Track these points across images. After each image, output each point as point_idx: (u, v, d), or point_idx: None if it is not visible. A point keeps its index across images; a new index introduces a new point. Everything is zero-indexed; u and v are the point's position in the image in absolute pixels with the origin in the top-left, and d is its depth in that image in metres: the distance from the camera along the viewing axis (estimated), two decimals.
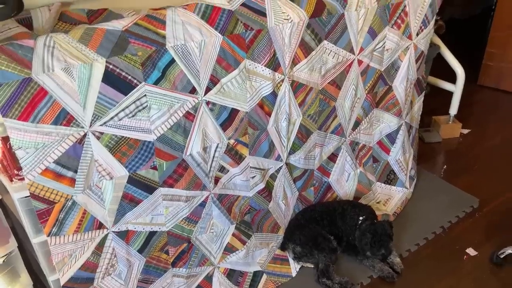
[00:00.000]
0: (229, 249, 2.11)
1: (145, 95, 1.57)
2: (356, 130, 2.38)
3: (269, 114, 1.96)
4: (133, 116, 1.57)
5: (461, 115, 3.23)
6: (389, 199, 2.54)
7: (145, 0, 1.85)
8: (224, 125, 1.83)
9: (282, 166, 2.15)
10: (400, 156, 2.57)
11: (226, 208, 2.02)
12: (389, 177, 2.61)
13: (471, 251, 2.23)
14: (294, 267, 2.17)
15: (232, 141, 1.89)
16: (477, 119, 3.44)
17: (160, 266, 1.92)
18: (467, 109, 3.51)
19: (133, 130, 1.59)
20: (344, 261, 2.21)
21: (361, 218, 2.13)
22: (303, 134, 2.15)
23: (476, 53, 3.98)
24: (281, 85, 1.93)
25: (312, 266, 2.17)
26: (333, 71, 2.09)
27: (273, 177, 2.16)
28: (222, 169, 1.93)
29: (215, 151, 1.86)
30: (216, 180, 1.93)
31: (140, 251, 1.84)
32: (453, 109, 3.12)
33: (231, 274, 2.11)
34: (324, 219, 2.25)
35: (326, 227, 2.23)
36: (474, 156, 3.01)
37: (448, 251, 2.24)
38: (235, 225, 2.08)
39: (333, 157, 2.37)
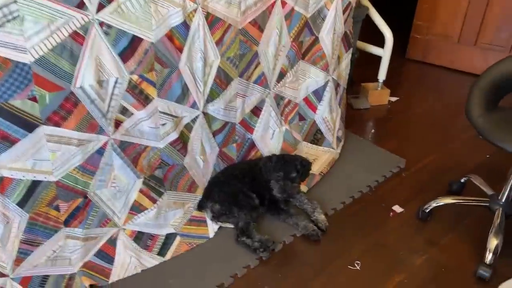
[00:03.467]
0: (136, 208, 1.85)
1: (15, 1, 1.26)
2: (281, 82, 2.21)
3: (181, 50, 1.73)
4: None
5: (389, 85, 3.20)
6: (316, 159, 2.40)
7: None
8: (124, 55, 1.57)
9: (198, 115, 1.92)
10: (327, 114, 2.44)
11: (131, 159, 1.76)
12: (316, 137, 2.48)
13: (397, 208, 2.14)
14: (212, 228, 1.95)
15: (135, 77, 1.63)
16: (404, 89, 3.43)
17: (48, 225, 1.63)
18: (395, 80, 3.50)
19: (1, 46, 1.29)
20: (267, 220, 2.03)
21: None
22: (222, 79, 1.93)
23: (406, 27, 4.00)
24: (193, 16, 1.70)
25: (232, 226, 1.97)
26: (254, 8, 1.89)
27: (189, 127, 1.93)
28: (124, 111, 1.66)
29: (114, 87, 1.59)
30: (117, 123, 1.67)
31: (21, 204, 1.53)
32: (382, 75, 3.07)
33: (139, 237, 1.85)
34: (246, 176, 2.06)
35: (248, 184, 2.04)
36: (401, 122, 2.98)
37: (374, 208, 2.14)
38: (142, 179, 1.82)
39: (256, 111, 2.19)
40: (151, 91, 1.70)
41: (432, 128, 2.91)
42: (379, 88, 3.14)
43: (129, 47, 1.56)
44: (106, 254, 1.77)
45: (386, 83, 3.15)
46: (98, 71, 1.52)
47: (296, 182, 1.96)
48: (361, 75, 3.28)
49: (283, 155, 2.06)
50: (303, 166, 1.98)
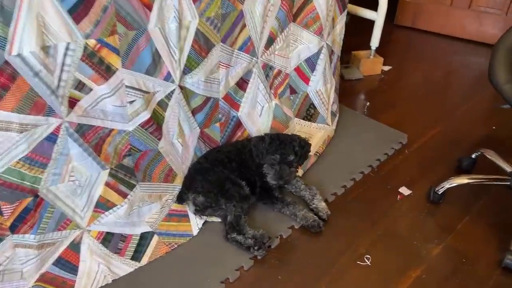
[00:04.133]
0: (103, 205, 1.52)
1: None
2: (270, 49, 1.89)
3: (150, 7, 1.38)
4: None
5: (379, 54, 2.92)
6: (310, 138, 2.11)
7: None
8: (76, 14, 1.21)
9: (174, 90, 1.59)
10: (321, 87, 2.14)
11: (92, 146, 1.42)
12: (309, 112, 2.18)
13: (404, 191, 1.90)
14: (195, 224, 1.65)
15: (92, 42, 1.28)
16: (396, 57, 3.17)
17: None
18: (386, 47, 3.23)
19: None
20: (259, 212, 1.75)
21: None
22: (202, 45, 1.60)
23: None
24: None
25: (219, 220, 1.67)
26: None
27: (163, 105, 1.59)
28: (80, 86, 1.32)
29: (65, 55, 1.24)
30: (73, 102, 1.32)
31: None
32: (375, 41, 2.77)
33: (108, 239, 1.54)
34: (233, 161, 1.75)
35: (236, 171, 1.74)
36: (398, 93, 2.72)
37: (379, 191, 1.89)
38: (108, 170, 1.49)
39: (242, 84, 1.86)
40: (113, 60, 1.35)
41: (430, 98, 2.67)
42: (371, 57, 2.85)
43: (81, 3, 1.20)
44: (68, 262, 1.45)
45: (376, 51, 2.87)
46: (41, 34, 1.16)
47: (294, 166, 1.67)
48: (350, 43, 2.97)
49: (278, 134, 1.76)
50: (302, 147, 1.69)
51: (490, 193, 1.86)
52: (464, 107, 2.56)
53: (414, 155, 2.13)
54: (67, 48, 1.23)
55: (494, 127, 2.35)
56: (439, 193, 1.79)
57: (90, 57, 1.29)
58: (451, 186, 1.78)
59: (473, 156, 1.99)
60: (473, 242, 1.64)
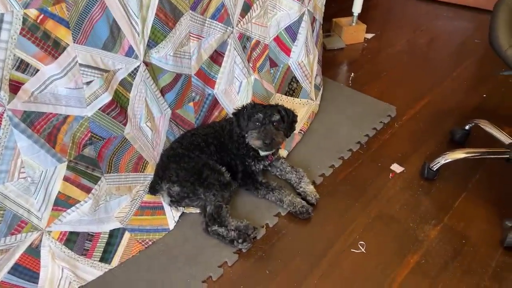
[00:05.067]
0: (63, 202, 1.33)
1: None
2: (247, 17, 1.69)
3: None
4: None
5: (362, 20, 2.75)
6: None
7: None
8: None
9: (138, 67, 1.39)
10: (303, 58, 1.96)
11: (44, 137, 1.21)
12: (291, 87, 2.01)
13: (396, 168, 1.77)
14: (171, 216, 1.48)
15: (33, 13, 1.06)
16: (379, 23, 3.01)
17: None
18: (368, 13, 3.06)
19: None
20: (241, 199, 1.59)
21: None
22: (168, 14, 1.39)
23: None
24: None
25: (198, 211, 1.51)
26: None
27: (126, 85, 1.39)
28: (24, 67, 1.10)
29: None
30: (15, 86, 1.11)
31: None
32: (357, 7, 2.59)
33: (72, 240, 1.36)
34: (210, 145, 1.58)
35: (214, 155, 1.56)
36: (382, 62, 2.57)
37: (370, 170, 1.76)
38: (66, 163, 1.29)
39: (217, 57, 1.67)
40: (62, 34, 1.14)
41: (417, 67, 2.54)
42: (353, 24, 2.68)
43: None
44: (26, 269, 1.28)
45: (358, 17, 2.69)
46: None
47: (280, 129, 1.50)
48: (330, 9, 2.79)
49: (261, 103, 1.60)
50: (287, 114, 1.53)
51: (485, 166, 1.76)
52: (452, 75, 2.43)
53: (404, 129, 2.00)
54: (1, 21, 1.01)
55: (484, 95, 2.23)
56: (434, 169, 1.67)
57: (32, 31, 1.08)
58: (446, 161, 1.66)
59: (467, 127, 1.87)
60: (472, 220, 1.53)
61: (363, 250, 1.43)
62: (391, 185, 1.68)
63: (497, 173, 1.72)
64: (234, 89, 1.79)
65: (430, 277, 1.34)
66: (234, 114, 1.54)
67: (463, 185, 1.68)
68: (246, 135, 1.51)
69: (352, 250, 1.42)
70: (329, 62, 2.49)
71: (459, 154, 1.68)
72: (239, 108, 1.53)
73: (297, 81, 2.00)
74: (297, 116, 1.59)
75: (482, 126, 1.79)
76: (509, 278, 1.33)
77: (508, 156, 1.59)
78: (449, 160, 1.66)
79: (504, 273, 1.35)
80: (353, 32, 2.66)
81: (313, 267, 1.36)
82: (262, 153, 1.54)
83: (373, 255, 1.41)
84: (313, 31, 1.99)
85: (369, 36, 2.80)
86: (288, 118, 1.54)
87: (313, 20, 1.96)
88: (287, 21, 1.84)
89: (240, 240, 1.38)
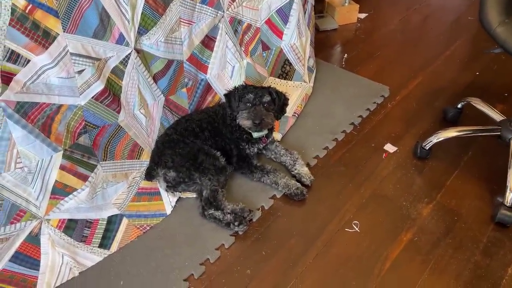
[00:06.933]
0: (61, 191, 1.35)
1: None
2: (237, 0, 1.68)
3: None
4: None
5: (354, 1, 2.72)
6: None
7: None
8: None
9: (130, 54, 1.39)
10: (295, 40, 1.96)
11: (39, 127, 1.23)
12: (284, 70, 2.01)
13: (389, 148, 1.79)
14: (168, 202, 1.51)
15: (22, 3, 1.06)
16: (372, 2, 2.98)
17: None
18: None
19: None
20: (237, 182, 1.61)
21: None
22: (157, 0, 1.38)
23: None
24: None
25: (195, 196, 1.53)
26: None
27: (118, 72, 1.39)
28: (15, 58, 1.11)
29: None
30: (7, 77, 1.11)
31: None
32: None
33: (71, 227, 1.38)
34: (205, 130, 1.59)
35: (209, 140, 1.58)
36: (376, 43, 2.56)
37: (364, 151, 1.78)
38: (62, 152, 1.31)
39: (209, 42, 1.67)
40: (51, 23, 1.14)
41: (410, 46, 2.53)
42: (346, 4, 2.66)
43: None
44: (27, 256, 1.30)
45: None
46: None
47: (270, 110, 1.52)
48: None
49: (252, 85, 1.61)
50: (278, 95, 1.54)
51: (477, 144, 1.78)
52: (445, 54, 2.43)
53: (398, 109, 2.01)
54: None
55: (477, 73, 2.24)
56: (427, 148, 1.69)
57: (21, 22, 1.08)
58: (438, 140, 1.68)
59: (459, 106, 1.88)
60: (464, 198, 1.56)
61: (357, 229, 1.46)
62: (385, 165, 1.71)
63: (489, 150, 1.74)
64: (227, 74, 1.79)
65: (422, 253, 1.37)
66: (225, 95, 1.55)
67: (455, 163, 1.70)
68: (237, 115, 1.52)
69: (346, 229, 1.45)
70: (322, 43, 2.48)
71: (451, 133, 1.70)
72: (231, 90, 1.54)
73: (290, 63, 2.00)
74: (288, 99, 1.60)
75: (474, 104, 1.81)
76: (499, 253, 1.37)
77: (499, 133, 1.60)
78: (442, 138, 1.68)
79: (495, 248, 1.38)
80: (346, 12, 2.64)
81: (308, 247, 1.39)
82: (254, 135, 1.55)
83: (367, 234, 1.44)
84: (305, 13, 1.98)
85: (362, 16, 2.78)
86: (279, 101, 1.55)
87: (305, 1, 1.95)
88: (278, 3, 1.84)
89: (236, 223, 1.41)
